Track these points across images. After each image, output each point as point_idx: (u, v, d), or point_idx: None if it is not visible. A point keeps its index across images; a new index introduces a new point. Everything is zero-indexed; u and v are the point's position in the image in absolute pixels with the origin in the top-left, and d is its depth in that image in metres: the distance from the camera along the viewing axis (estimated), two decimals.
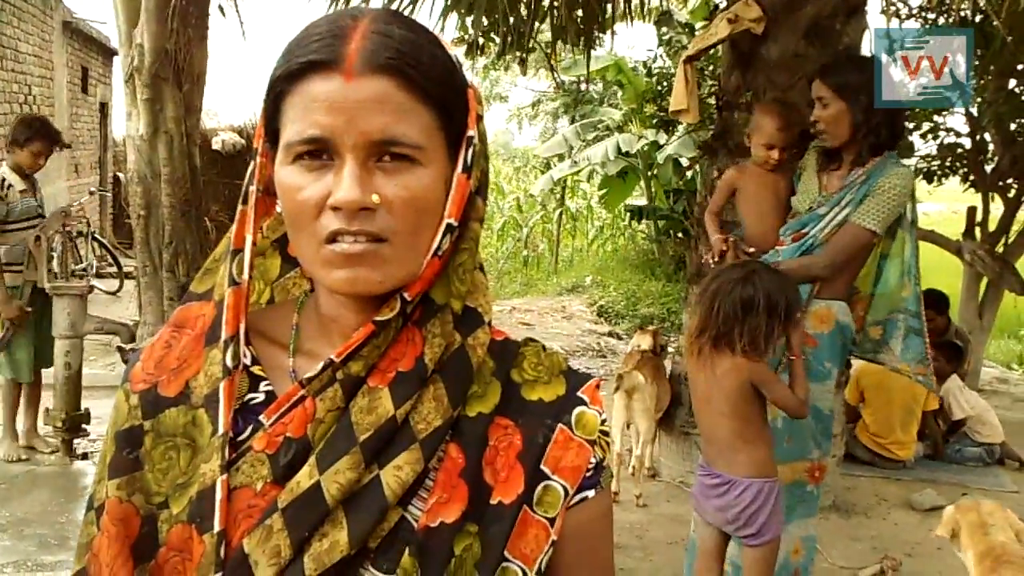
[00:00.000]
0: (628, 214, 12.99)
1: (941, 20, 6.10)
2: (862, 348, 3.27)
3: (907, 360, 3.21)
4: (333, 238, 0.72)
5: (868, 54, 3.73)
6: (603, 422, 0.83)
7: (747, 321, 2.61)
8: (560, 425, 0.81)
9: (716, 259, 3.13)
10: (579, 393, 0.84)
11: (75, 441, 4.87)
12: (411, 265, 0.75)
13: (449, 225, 0.76)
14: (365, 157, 0.72)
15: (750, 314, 2.61)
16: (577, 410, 0.82)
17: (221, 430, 0.77)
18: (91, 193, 11.58)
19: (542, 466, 0.79)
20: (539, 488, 0.79)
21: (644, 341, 5.15)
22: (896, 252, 3.12)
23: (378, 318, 0.75)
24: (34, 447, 4.93)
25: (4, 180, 4.65)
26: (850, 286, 3.09)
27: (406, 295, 0.76)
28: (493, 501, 0.77)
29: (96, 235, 10.83)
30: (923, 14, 6.23)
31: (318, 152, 0.73)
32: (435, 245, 0.76)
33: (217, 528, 0.74)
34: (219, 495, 0.75)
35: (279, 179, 0.76)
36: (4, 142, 5.08)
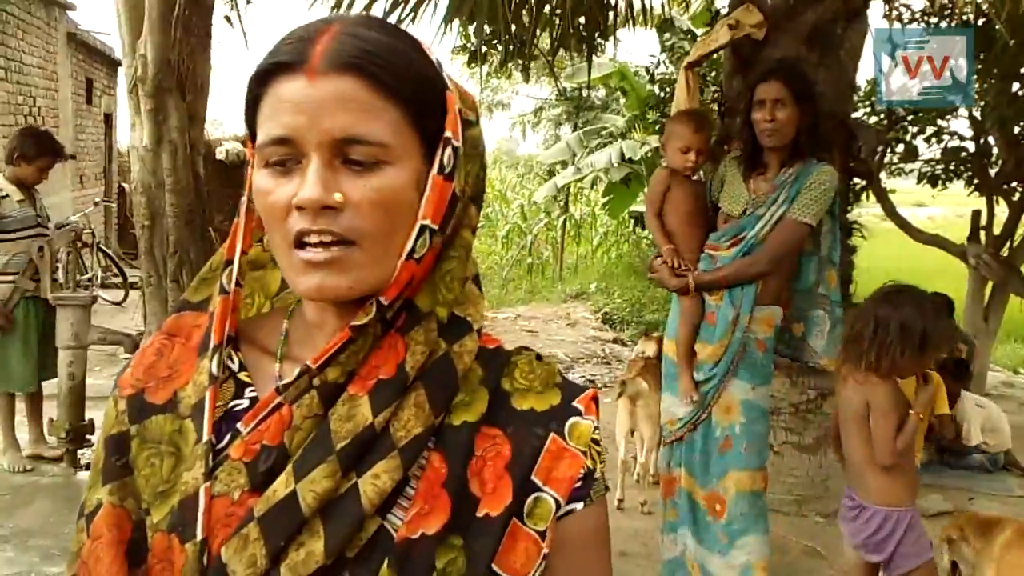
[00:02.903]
0: (632, 220, 12.96)
1: (943, 24, 6.09)
2: (782, 347, 3.29)
3: (830, 355, 3.23)
4: (300, 241, 0.72)
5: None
6: (595, 430, 0.81)
7: (877, 338, 2.63)
8: (552, 434, 0.79)
9: (675, 265, 3.12)
10: (574, 403, 0.81)
11: (79, 452, 4.85)
12: (383, 268, 0.74)
13: (424, 227, 0.75)
14: (331, 156, 0.71)
15: (880, 332, 2.62)
16: (571, 419, 0.80)
17: (204, 437, 0.76)
18: (96, 204, 11.62)
19: (533, 477, 0.77)
20: (529, 500, 0.76)
21: (649, 348, 5.14)
22: (814, 250, 3.18)
23: (354, 323, 0.74)
24: (41, 455, 4.93)
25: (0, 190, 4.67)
26: (784, 288, 3.12)
27: (383, 299, 0.75)
28: (479, 513, 0.75)
29: (101, 245, 10.85)
30: (925, 17, 6.21)
31: (289, 154, 0.72)
32: (408, 246, 0.74)
33: (199, 536, 0.73)
34: (202, 503, 0.74)
35: (254, 184, 0.75)
36: (4, 154, 5.05)
